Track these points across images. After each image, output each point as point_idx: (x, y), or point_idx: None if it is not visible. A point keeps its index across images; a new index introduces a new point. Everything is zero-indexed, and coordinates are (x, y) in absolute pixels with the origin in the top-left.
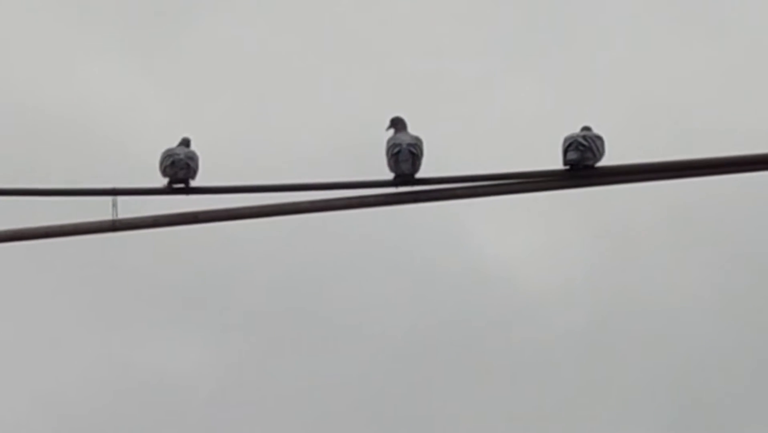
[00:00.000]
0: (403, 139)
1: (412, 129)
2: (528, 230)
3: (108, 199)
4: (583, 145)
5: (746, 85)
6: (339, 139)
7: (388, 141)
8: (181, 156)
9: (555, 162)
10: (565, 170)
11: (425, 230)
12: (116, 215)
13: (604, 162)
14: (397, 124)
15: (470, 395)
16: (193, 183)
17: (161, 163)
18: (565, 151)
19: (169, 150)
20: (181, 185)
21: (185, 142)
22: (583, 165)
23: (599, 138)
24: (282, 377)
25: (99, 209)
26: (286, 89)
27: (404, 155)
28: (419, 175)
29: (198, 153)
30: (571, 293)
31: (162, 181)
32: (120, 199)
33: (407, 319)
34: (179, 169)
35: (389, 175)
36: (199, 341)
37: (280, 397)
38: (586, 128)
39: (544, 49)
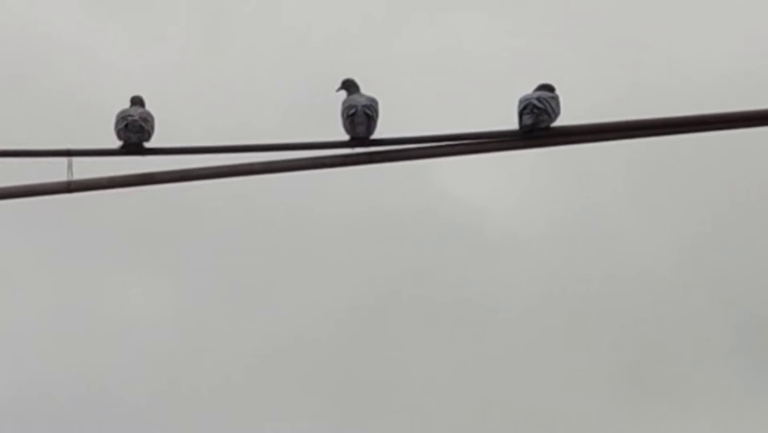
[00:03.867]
0: (358, 100)
1: (366, 88)
2: (493, 177)
3: (63, 160)
4: (538, 108)
5: (706, 32)
6: (294, 95)
7: (344, 102)
8: (136, 117)
9: (511, 116)
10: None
11: (388, 178)
12: (71, 176)
13: (560, 121)
14: (350, 87)
15: (432, 343)
16: (149, 144)
17: (115, 125)
18: (520, 115)
19: (123, 111)
20: (136, 147)
21: (138, 101)
22: (538, 128)
23: (554, 98)
24: (245, 323)
25: (53, 169)
26: (245, 33)
27: (360, 117)
28: (374, 136)
29: (152, 112)
30: (536, 241)
31: (117, 142)
32: (75, 159)
33: (370, 266)
34: (133, 133)
35: (344, 136)
36: (161, 287)
37: (244, 342)
38: (543, 86)
39: None
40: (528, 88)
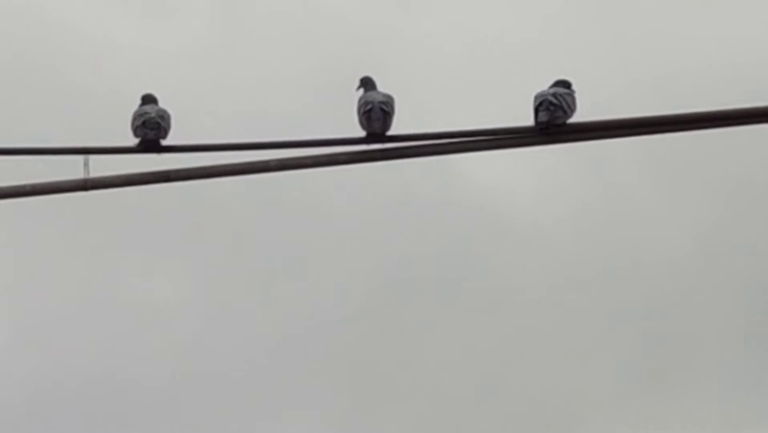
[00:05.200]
0: (374, 97)
1: (383, 84)
2: (515, 165)
3: (79, 158)
4: (553, 105)
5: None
6: (308, 85)
7: (360, 99)
8: (153, 115)
9: (528, 111)
10: (536, 127)
11: (410, 164)
12: (88, 174)
13: (577, 117)
14: (367, 84)
15: (452, 327)
16: (166, 141)
17: (132, 123)
18: (536, 111)
19: (140, 110)
20: (153, 144)
21: (151, 99)
22: (554, 124)
23: (570, 94)
24: (262, 310)
25: (69, 166)
26: (259, 21)
27: (376, 114)
28: (390, 132)
29: (169, 110)
30: (557, 228)
31: (134, 140)
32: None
33: (392, 251)
34: (150, 130)
35: (360, 132)
36: (183, 274)
37: (261, 328)
38: (559, 82)
39: None
40: (543, 81)
